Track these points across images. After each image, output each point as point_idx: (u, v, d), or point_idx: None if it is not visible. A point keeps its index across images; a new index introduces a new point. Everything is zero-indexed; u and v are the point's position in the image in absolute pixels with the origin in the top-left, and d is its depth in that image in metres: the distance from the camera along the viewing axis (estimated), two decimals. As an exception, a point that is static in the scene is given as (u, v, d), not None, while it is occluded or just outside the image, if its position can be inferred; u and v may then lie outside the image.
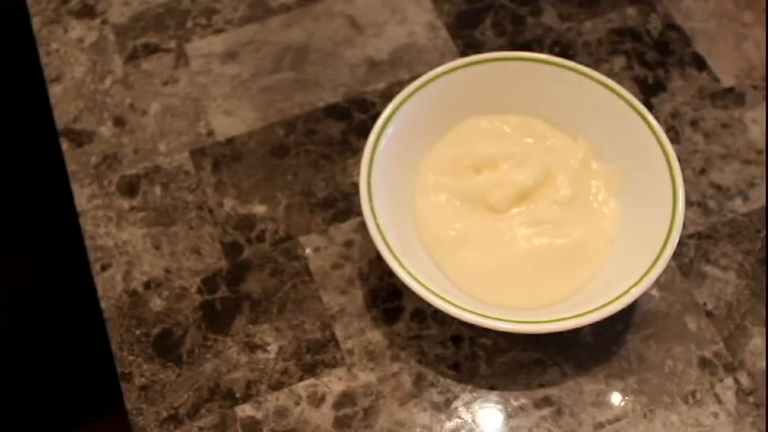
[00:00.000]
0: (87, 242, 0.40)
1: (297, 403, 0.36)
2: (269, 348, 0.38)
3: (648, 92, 0.45)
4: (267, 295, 0.39)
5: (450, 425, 0.36)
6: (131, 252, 0.40)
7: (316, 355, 0.37)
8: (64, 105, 0.45)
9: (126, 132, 0.44)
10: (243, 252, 0.40)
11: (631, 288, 0.33)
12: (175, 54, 0.46)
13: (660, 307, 0.39)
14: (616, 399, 0.36)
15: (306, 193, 0.42)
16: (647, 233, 0.35)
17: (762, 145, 0.43)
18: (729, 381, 0.37)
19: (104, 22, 0.48)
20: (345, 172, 0.42)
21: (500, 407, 0.36)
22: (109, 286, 0.39)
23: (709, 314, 0.39)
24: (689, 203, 0.41)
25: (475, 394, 0.37)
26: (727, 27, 0.47)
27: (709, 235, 0.41)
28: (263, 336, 0.38)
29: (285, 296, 0.39)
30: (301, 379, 0.37)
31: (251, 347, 0.38)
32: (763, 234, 0.41)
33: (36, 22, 0.48)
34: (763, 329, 0.38)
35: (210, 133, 0.44)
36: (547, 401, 0.36)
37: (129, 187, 0.42)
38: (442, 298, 0.33)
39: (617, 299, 0.33)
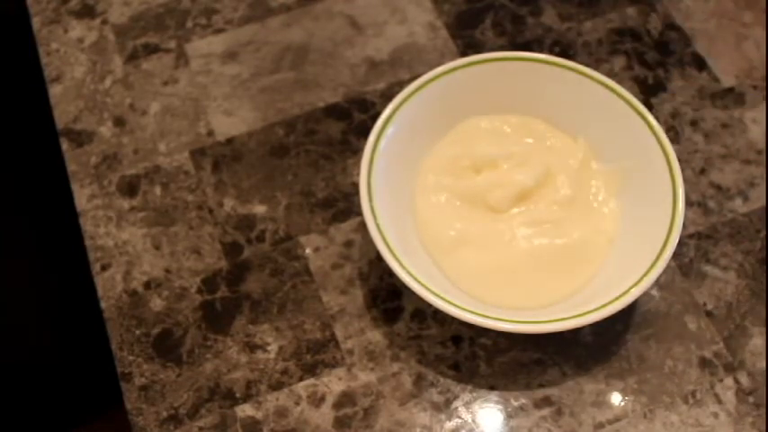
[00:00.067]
0: (87, 242, 0.40)
1: (297, 403, 0.36)
2: (269, 348, 0.38)
3: (648, 92, 0.45)
4: (267, 295, 0.39)
5: (450, 425, 0.36)
6: (131, 252, 0.40)
7: (316, 355, 0.37)
8: (64, 105, 0.45)
9: (126, 132, 0.44)
10: (243, 252, 0.40)
11: (631, 288, 0.33)
12: (175, 54, 0.46)
13: (660, 307, 0.39)
14: (616, 399, 0.36)
15: (306, 193, 0.42)
16: (647, 233, 0.35)
17: (762, 145, 0.43)
18: (729, 381, 0.37)
19: (104, 22, 0.48)
20: (345, 172, 0.42)
21: (500, 407, 0.36)
22: (109, 286, 0.39)
23: (709, 314, 0.39)
24: (689, 203, 0.41)
25: (475, 394, 0.37)
26: (727, 27, 0.48)
27: (709, 235, 0.41)
28: (263, 336, 0.38)
29: (285, 296, 0.39)
30: (301, 379, 0.37)
31: (251, 347, 0.38)
32: (763, 234, 0.41)
33: (36, 22, 0.48)
34: (763, 329, 0.38)
35: (210, 133, 0.44)
36: (547, 401, 0.36)
37: (129, 187, 0.42)
38: (442, 298, 0.33)
39: (617, 299, 0.33)
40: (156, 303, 0.39)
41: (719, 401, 0.36)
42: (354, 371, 0.37)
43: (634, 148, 0.37)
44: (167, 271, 0.40)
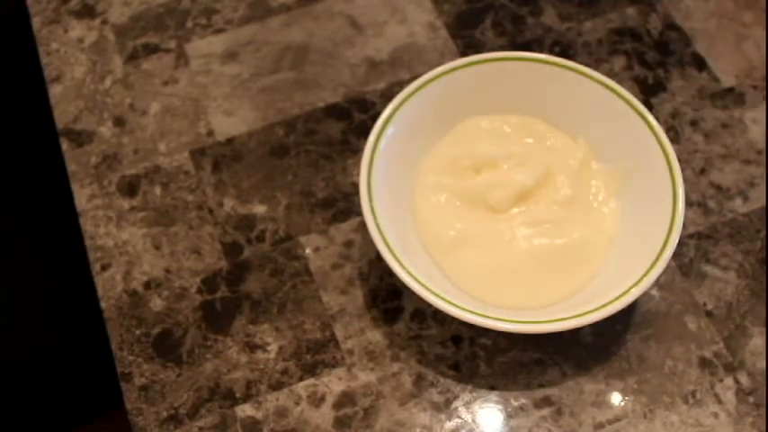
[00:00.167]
0: (87, 242, 0.40)
1: (297, 403, 0.36)
2: (269, 348, 0.38)
3: (648, 92, 0.45)
4: (267, 295, 0.39)
5: (450, 425, 0.36)
6: (131, 252, 0.40)
7: (316, 355, 0.37)
8: (64, 105, 0.45)
9: (126, 132, 0.44)
10: (243, 252, 0.40)
11: (631, 288, 0.33)
12: (175, 54, 0.46)
13: (660, 307, 0.39)
14: (616, 399, 0.36)
15: (306, 193, 0.42)
16: (647, 233, 0.35)
17: (762, 145, 0.43)
18: (729, 381, 0.37)
19: (104, 22, 0.48)
20: (345, 172, 0.42)
21: (500, 407, 0.36)
22: (109, 286, 0.39)
23: (709, 314, 0.39)
24: (689, 203, 0.41)
25: (475, 394, 0.37)
26: (727, 27, 0.48)
27: (709, 235, 0.41)
28: (263, 336, 0.38)
29: (285, 296, 0.39)
30: (301, 379, 0.37)
31: (251, 347, 0.38)
32: (763, 234, 0.41)
33: (36, 22, 0.48)
34: (763, 329, 0.38)
35: (210, 133, 0.44)
36: (547, 401, 0.36)
37: (129, 187, 0.42)
38: (442, 298, 0.33)
39: (617, 299, 0.33)
40: (156, 303, 0.39)
41: (719, 401, 0.36)
42: (354, 371, 0.37)
43: (634, 148, 0.37)
44: (167, 271, 0.40)
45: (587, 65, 0.39)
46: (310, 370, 0.37)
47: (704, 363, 0.37)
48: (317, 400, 0.36)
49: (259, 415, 0.36)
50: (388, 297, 0.39)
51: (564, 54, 0.46)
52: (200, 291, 0.39)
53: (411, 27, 0.47)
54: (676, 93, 0.45)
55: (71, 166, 0.43)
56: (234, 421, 0.36)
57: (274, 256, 0.40)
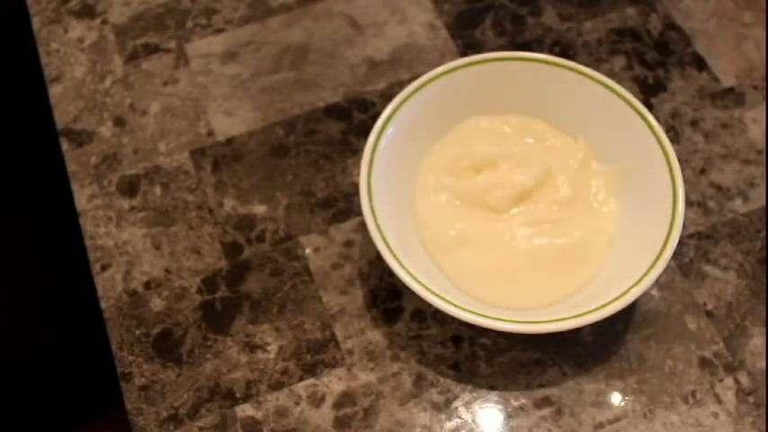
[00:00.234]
0: (87, 242, 0.40)
1: (297, 403, 0.36)
2: (269, 348, 0.38)
3: (648, 92, 0.45)
4: (267, 295, 0.39)
5: (450, 425, 0.36)
6: (131, 252, 0.40)
7: (316, 355, 0.37)
8: (64, 105, 0.45)
9: (126, 132, 0.44)
10: (243, 252, 0.40)
11: (631, 288, 0.33)
12: (175, 54, 0.46)
13: (660, 307, 0.39)
14: (616, 399, 0.36)
15: (306, 193, 0.42)
16: (647, 233, 0.35)
17: (762, 145, 0.43)
18: (729, 381, 0.37)
19: (104, 22, 0.48)
20: (345, 172, 0.42)
21: (500, 407, 0.36)
22: (109, 286, 0.39)
23: (709, 314, 0.39)
24: (689, 203, 0.41)
25: (475, 394, 0.37)
26: (727, 27, 0.48)
27: (709, 235, 0.41)
28: (263, 336, 0.38)
29: (285, 296, 0.39)
30: (301, 379, 0.37)
31: (251, 347, 0.38)
32: (763, 234, 0.41)
33: (36, 22, 0.48)
34: (763, 329, 0.38)
35: (210, 133, 0.44)
36: (547, 401, 0.36)
37: (129, 187, 0.42)
38: (442, 298, 0.33)
39: (617, 299, 0.33)
40: (156, 303, 0.39)
41: (719, 401, 0.36)
42: (354, 371, 0.37)
43: (634, 148, 0.37)
44: (167, 271, 0.40)
45: (587, 65, 0.39)
46: (310, 370, 0.37)
47: (704, 363, 0.37)
48: (316, 400, 0.36)
49: (259, 415, 0.36)
50: (388, 297, 0.39)
51: (564, 54, 0.46)
52: (200, 291, 0.39)
53: (411, 27, 0.47)
54: (676, 93, 0.45)
55: (71, 166, 0.43)
56: (234, 421, 0.36)
57: (274, 256, 0.40)
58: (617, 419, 0.36)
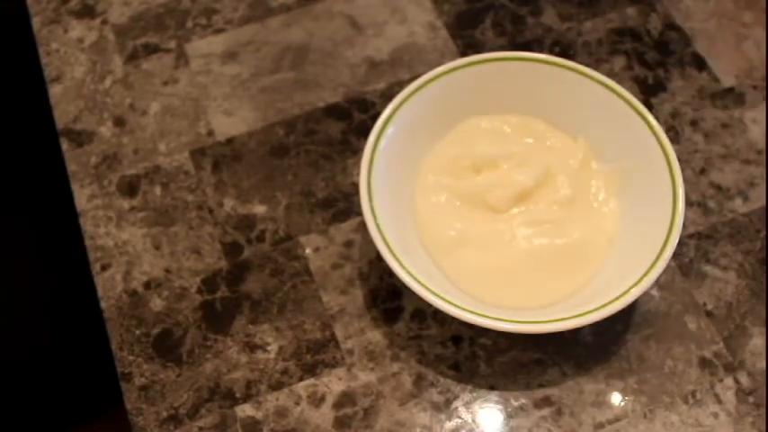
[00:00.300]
0: (87, 242, 0.40)
1: (297, 403, 0.36)
2: (269, 348, 0.38)
3: (648, 92, 0.45)
4: (267, 295, 0.39)
5: (450, 425, 0.36)
6: (131, 252, 0.40)
7: (316, 355, 0.37)
8: (64, 105, 0.45)
9: (126, 132, 0.44)
10: (243, 252, 0.40)
11: (631, 288, 0.33)
12: (175, 54, 0.46)
13: (660, 307, 0.39)
14: (616, 399, 0.36)
15: (306, 193, 0.42)
16: (647, 233, 0.35)
17: (762, 145, 0.43)
18: (729, 381, 0.37)
19: (104, 22, 0.48)
20: (345, 172, 0.42)
21: (500, 407, 0.36)
22: (109, 286, 0.39)
23: (709, 314, 0.39)
24: (689, 203, 0.41)
25: (475, 394, 0.37)
26: (727, 27, 0.48)
27: (709, 235, 0.41)
28: (263, 336, 0.38)
29: (285, 296, 0.39)
30: (301, 379, 0.37)
31: (251, 347, 0.38)
32: (763, 234, 0.41)
33: (36, 22, 0.48)
34: (763, 329, 0.38)
35: (210, 133, 0.44)
36: (547, 401, 0.36)
37: (129, 187, 0.42)
38: (442, 298, 0.33)
39: (617, 299, 0.33)
40: (156, 303, 0.39)
41: (719, 401, 0.36)
42: (354, 371, 0.37)
43: (634, 148, 0.37)
44: (167, 271, 0.40)
45: (587, 65, 0.39)
46: (310, 370, 0.37)
47: (704, 363, 0.37)
48: (316, 400, 0.36)
49: (259, 415, 0.36)
50: (388, 297, 0.39)
51: (564, 54, 0.46)
52: (200, 291, 0.39)
53: (411, 27, 0.47)
54: (676, 93, 0.45)
55: (71, 166, 0.43)
56: (234, 421, 0.36)
57: (274, 256, 0.40)
58: (617, 419, 0.36)
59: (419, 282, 0.33)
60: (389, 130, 0.37)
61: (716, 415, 0.36)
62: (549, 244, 0.37)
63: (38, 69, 0.46)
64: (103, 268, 0.40)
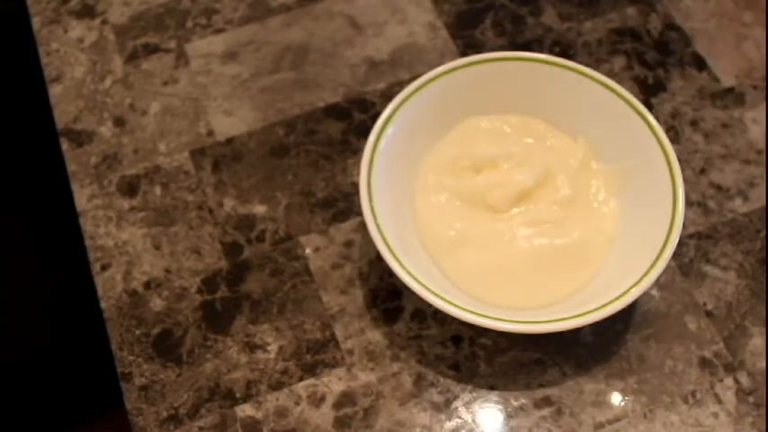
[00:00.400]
0: (87, 242, 0.40)
1: (297, 403, 0.36)
2: (269, 348, 0.38)
3: (648, 92, 0.45)
4: (267, 295, 0.39)
5: (450, 425, 0.36)
6: (131, 252, 0.40)
7: (316, 355, 0.37)
8: (64, 105, 0.45)
9: (126, 132, 0.44)
10: (243, 252, 0.40)
11: (631, 288, 0.33)
12: (175, 54, 0.46)
13: (660, 307, 0.39)
14: (616, 399, 0.36)
15: (306, 193, 0.42)
16: (647, 233, 0.35)
17: (762, 145, 0.43)
18: (729, 381, 0.37)
19: (104, 22, 0.48)
20: (345, 172, 0.42)
21: (500, 407, 0.36)
22: (109, 286, 0.39)
23: (709, 314, 0.39)
24: (689, 203, 0.41)
25: (475, 394, 0.37)
26: (727, 27, 0.48)
27: (709, 235, 0.41)
28: (263, 336, 0.38)
29: (285, 296, 0.39)
30: (301, 379, 0.37)
31: (251, 347, 0.38)
32: (763, 234, 0.41)
33: (36, 22, 0.48)
34: (763, 329, 0.38)
35: (210, 133, 0.44)
36: (547, 401, 0.36)
37: (129, 187, 0.42)
38: (442, 298, 0.33)
39: (617, 299, 0.33)
40: (156, 303, 0.39)
41: (719, 401, 0.36)
42: (354, 371, 0.37)
43: (634, 148, 0.37)
44: (167, 271, 0.40)
45: (587, 65, 0.39)
46: (310, 370, 0.37)
47: (704, 363, 0.37)
48: (316, 400, 0.36)
49: (259, 415, 0.36)
50: (388, 297, 0.39)
51: (564, 54, 0.46)
52: (200, 291, 0.39)
53: (411, 27, 0.47)
54: (676, 93, 0.45)
55: (71, 166, 0.43)
56: (234, 421, 0.36)
57: (274, 256, 0.40)
58: (617, 419, 0.36)
59: (419, 282, 0.33)
60: (389, 130, 0.37)
61: (716, 415, 0.36)
62: (549, 244, 0.37)
63: (38, 69, 0.46)
64: (103, 268, 0.40)
